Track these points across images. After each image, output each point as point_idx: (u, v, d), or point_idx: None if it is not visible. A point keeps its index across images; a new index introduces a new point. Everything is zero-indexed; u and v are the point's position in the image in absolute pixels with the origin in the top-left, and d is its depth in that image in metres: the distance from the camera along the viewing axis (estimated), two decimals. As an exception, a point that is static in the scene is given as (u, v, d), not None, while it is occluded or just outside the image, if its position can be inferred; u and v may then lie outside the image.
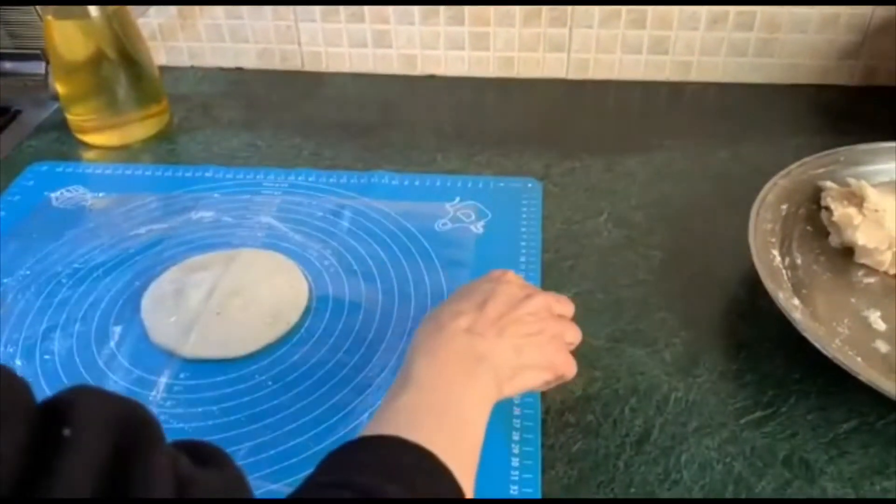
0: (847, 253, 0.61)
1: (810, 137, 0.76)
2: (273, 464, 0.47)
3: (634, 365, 0.54)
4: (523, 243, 0.64)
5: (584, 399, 0.51)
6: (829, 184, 0.62)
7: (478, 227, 0.66)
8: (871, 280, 0.59)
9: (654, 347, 0.55)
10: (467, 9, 0.82)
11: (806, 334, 0.49)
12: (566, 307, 0.53)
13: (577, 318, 0.57)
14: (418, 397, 0.41)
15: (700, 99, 0.84)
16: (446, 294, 0.59)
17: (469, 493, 0.38)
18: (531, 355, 0.47)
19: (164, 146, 0.78)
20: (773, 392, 0.51)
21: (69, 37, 0.73)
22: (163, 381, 0.52)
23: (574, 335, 0.52)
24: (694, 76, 0.85)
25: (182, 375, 0.53)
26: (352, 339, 0.55)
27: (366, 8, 0.84)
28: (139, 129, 0.78)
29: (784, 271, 0.55)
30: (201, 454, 0.31)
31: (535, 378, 0.48)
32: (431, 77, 0.88)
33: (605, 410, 0.51)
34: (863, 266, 0.60)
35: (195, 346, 0.54)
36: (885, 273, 0.59)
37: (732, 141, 0.76)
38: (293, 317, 0.56)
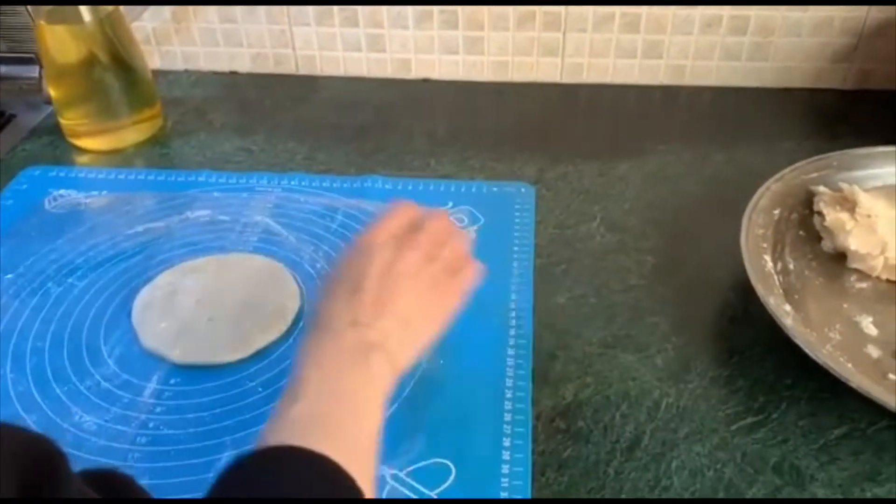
0: (840, 258, 0.61)
1: (803, 141, 0.76)
2: (262, 470, 0.47)
3: (626, 370, 0.54)
4: (516, 248, 0.64)
5: (575, 405, 0.51)
6: (821, 188, 0.62)
7: (470, 232, 0.65)
8: (864, 285, 0.59)
9: (645, 353, 0.55)
10: (461, 13, 0.82)
11: (797, 340, 0.49)
12: (440, 224, 0.49)
13: (569, 323, 0.57)
14: (312, 407, 0.39)
15: (694, 103, 0.84)
16: (438, 299, 0.58)
17: (369, 484, 0.37)
18: (420, 319, 0.45)
19: (157, 150, 0.78)
20: (764, 398, 0.51)
21: (62, 41, 0.73)
22: (152, 386, 0.52)
23: (458, 257, 0.48)
24: (688, 80, 0.85)
25: (172, 381, 0.53)
26: (343, 344, 0.55)
27: (360, 12, 0.84)
28: (132, 134, 0.78)
29: (776, 276, 0.55)
30: (112, 485, 0.31)
31: (430, 331, 0.46)
32: (426, 81, 0.88)
33: (596, 416, 0.50)
34: (855, 271, 0.59)
35: (185, 352, 0.54)
36: (878, 278, 0.59)
37: (726, 145, 0.76)
38: (285, 322, 0.56)
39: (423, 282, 0.45)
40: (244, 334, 0.55)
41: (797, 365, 0.52)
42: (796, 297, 0.57)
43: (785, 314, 0.51)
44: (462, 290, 0.47)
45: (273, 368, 0.54)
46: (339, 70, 0.89)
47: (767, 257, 0.56)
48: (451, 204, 0.69)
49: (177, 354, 0.54)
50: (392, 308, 0.44)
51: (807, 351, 0.48)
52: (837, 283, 0.59)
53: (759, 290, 0.53)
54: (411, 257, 0.46)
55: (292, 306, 0.58)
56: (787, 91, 0.84)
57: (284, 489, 0.34)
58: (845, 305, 0.57)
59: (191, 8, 0.85)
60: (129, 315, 0.57)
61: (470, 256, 0.49)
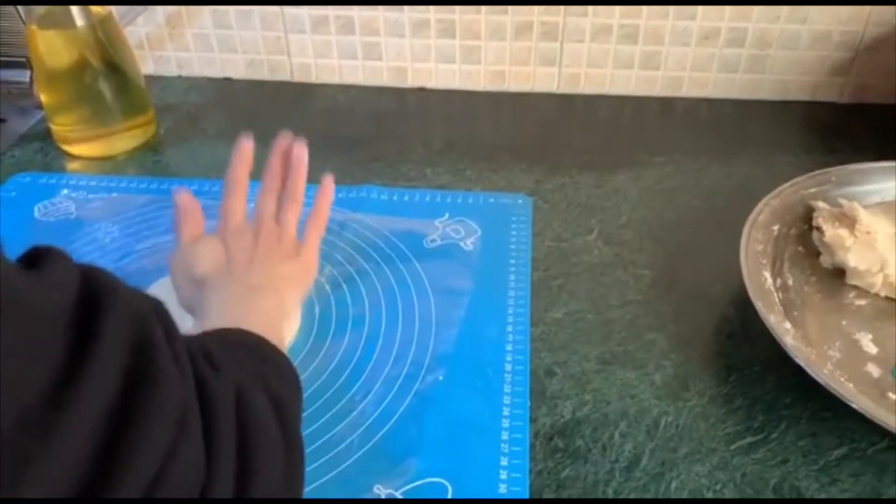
0: (838, 274, 0.60)
1: (801, 154, 0.76)
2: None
3: (625, 388, 0.53)
4: (513, 261, 0.63)
5: (573, 423, 0.51)
6: (820, 204, 0.62)
7: (467, 244, 0.65)
8: (863, 302, 0.58)
9: (644, 370, 0.54)
10: (459, 22, 0.82)
11: (798, 360, 0.48)
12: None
13: (567, 339, 0.56)
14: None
15: (691, 115, 0.83)
16: (434, 315, 0.58)
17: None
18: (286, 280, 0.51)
19: (150, 157, 0.77)
20: (763, 417, 0.51)
21: (54, 46, 0.72)
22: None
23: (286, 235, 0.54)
24: (685, 92, 0.85)
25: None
26: (336, 360, 0.54)
27: (356, 20, 0.83)
28: (125, 140, 0.77)
29: (775, 293, 0.55)
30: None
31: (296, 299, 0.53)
32: (422, 90, 0.87)
33: (595, 435, 0.50)
34: (854, 288, 0.59)
35: None
36: (877, 295, 0.59)
37: (723, 157, 0.76)
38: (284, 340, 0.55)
39: (278, 257, 0.53)
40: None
41: (796, 384, 0.52)
42: (795, 313, 0.56)
43: (785, 332, 0.50)
44: (313, 255, 0.56)
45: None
46: (335, 78, 0.88)
47: (767, 273, 0.56)
48: (447, 215, 0.68)
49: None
50: (264, 268, 0.51)
51: (808, 371, 0.48)
52: (836, 299, 0.59)
53: (759, 307, 0.52)
54: (263, 246, 0.52)
55: (292, 324, 0.57)
56: (784, 104, 0.84)
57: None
58: (844, 322, 0.57)
59: (185, 13, 0.85)
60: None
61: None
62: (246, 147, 0.56)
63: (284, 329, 0.50)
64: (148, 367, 0.28)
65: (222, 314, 0.46)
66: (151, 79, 0.87)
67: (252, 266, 0.50)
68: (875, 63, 0.80)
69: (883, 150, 0.69)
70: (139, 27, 0.86)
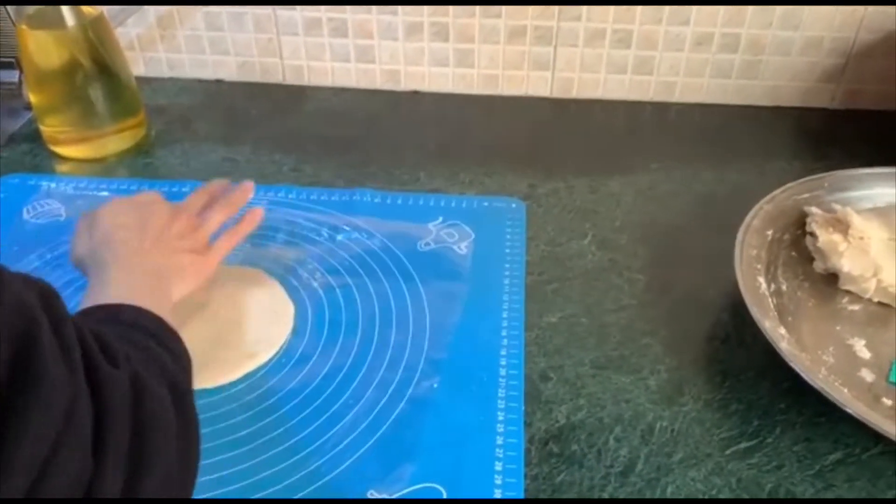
0: (831, 279, 0.60)
1: (793, 160, 0.76)
2: (244, 495, 0.46)
3: (619, 392, 0.53)
4: (507, 265, 0.63)
5: (568, 428, 0.50)
6: (814, 209, 0.62)
7: (461, 248, 0.65)
8: (856, 307, 0.59)
9: (638, 375, 0.54)
10: (452, 25, 0.82)
11: (793, 365, 0.48)
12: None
13: (562, 344, 0.56)
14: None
15: (684, 120, 0.83)
16: (428, 320, 0.57)
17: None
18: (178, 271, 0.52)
19: (140, 160, 0.76)
20: (758, 422, 0.51)
21: (44, 46, 0.71)
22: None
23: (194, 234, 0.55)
24: (678, 97, 0.85)
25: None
26: (329, 365, 0.54)
27: (349, 22, 0.83)
28: (115, 142, 0.76)
29: (770, 298, 0.55)
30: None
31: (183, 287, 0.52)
32: (415, 93, 0.87)
33: (590, 440, 0.50)
34: (847, 293, 0.59)
35: None
36: (870, 300, 0.59)
37: (716, 163, 0.76)
38: (274, 347, 0.55)
39: (186, 243, 0.54)
40: (231, 359, 0.53)
41: (791, 389, 0.52)
42: (789, 318, 0.56)
43: (780, 338, 0.50)
44: (215, 259, 0.55)
45: (256, 389, 0.52)
46: (328, 80, 0.87)
47: (761, 279, 0.56)
48: (441, 218, 0.68)
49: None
50: (167, 248, 0.53)
51: (803, 377, 0.48)
52: (830, 304, 0.59)
53: (755, 312, 0.52)
54: (177, 226, 0.54)
55: (284, 329, 0.56)
56: (775, 109, 0.84)
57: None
58: (838, 328, 0.57)
59: (177, 14, 0.84)
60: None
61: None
62: (216, 187, 0.61)
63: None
64: (29, 364, 0.28)
65: (127, 286, 0.47)
66: (142, 80, 0.86)
67: (159, 243, 0.52)
68: (867, 69, 0.80)
69: (874, 156, 0.69)
70: (130, 28, 0.85)
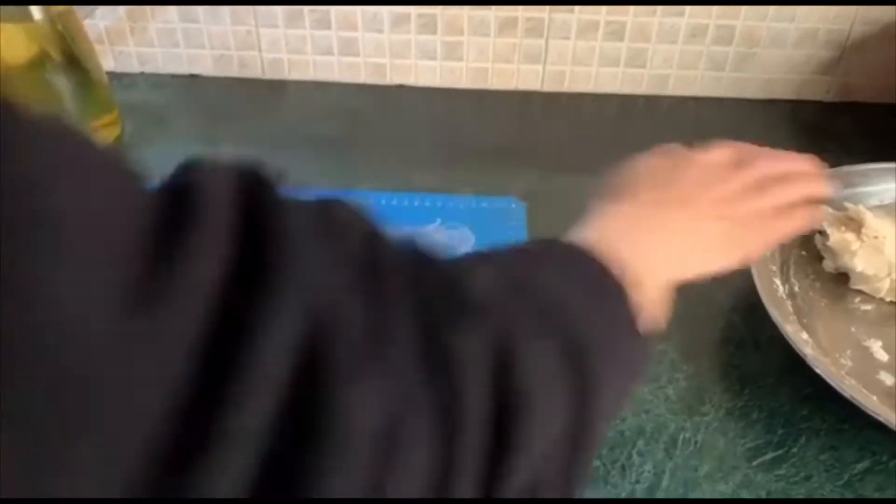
0: (841, 278, 0.59)
1: (792, 155, 0.75)
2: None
3: (639, 403, 0.51)
4: (511, 269, 0.60)
5: (588, 442, 0.48)
6: (824, 207, 0.61)
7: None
8: (868, 307, 0.57)
9: (657, 384, 0.52)
10: (440, 17, 0.79)
11: (821, 373, 0.47)
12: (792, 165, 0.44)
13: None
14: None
15: (677, 114, 0.82)
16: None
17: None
18: (701, 249, 0.39)
19: (114, 161, 0.72)
20: (782, 430, 0.49)
21: (10, 40, 0.66)
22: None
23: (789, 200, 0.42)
24: (671, 90, 0.83)
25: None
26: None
27: (332, 14, 0.79)
28: (87, 143, 0.72)
29: (787, 301, 0.53)
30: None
31: (701, 268, 0.40)
32: (401, 87, 0.84)
33: (612, 455, 0.48)
34: (859, 292, 0.58)
35: None
36: (881, 300, 0.58)
37: (715, 158, 0.74)
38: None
39: (735, 213, 0.39)
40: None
41: (812, 394, 0.51)
42: (805, 320, 0.55)
43: (804, 343, 0.49)
44: (772, 238, 0.42)
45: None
46: (309, 74, 0.84)
47: (777, 280, 0.54)
48: (439, 221, 0.65)
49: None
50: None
51: (833, 385, 0.46)
52: (842, 304, 0.58)
53: (775, 316, 0.51)
54: (734, 184, 0.40)
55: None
56: (769, 102, 0.83)
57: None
58: (853, 329, 0.56)
59: (148, 7, 0.79)
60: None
61: (808, 202, 0.43)
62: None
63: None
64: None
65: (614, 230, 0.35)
66: (111, 76, 0.81)
67: (699, 199, 0.38)
68: (861, 61, 0.80)
69: (872, 150, 0.68)
70: (97, 20, 0.80)
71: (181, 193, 0.21)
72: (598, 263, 0.31)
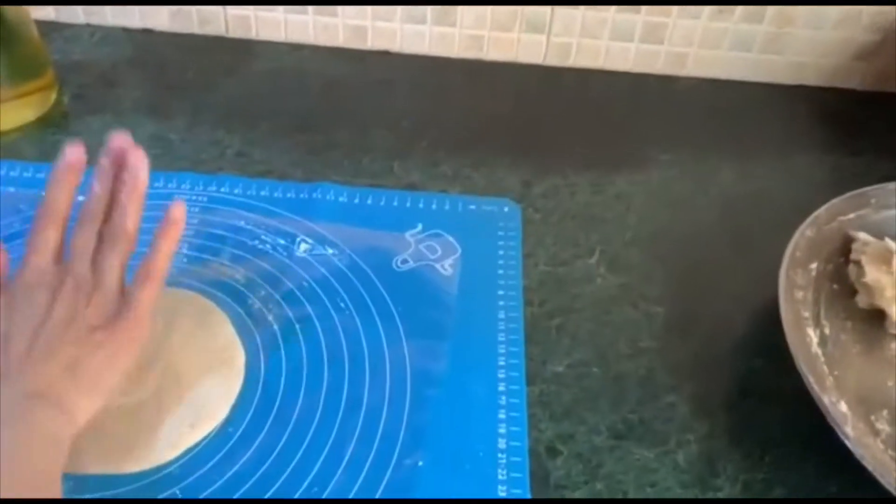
0: (875, 315, 0.52)
1: (821, 156, 0.67)
2: None
3: (643, 473, 0.44)
4: (501, 292, 0.52)
5: (583, 523, 0.41)
6: (861, 235, 0.53)
7: (445, 268, 0.54)
8: (906, 355, 0.50)
9: (664, 447, 0.45)
10: (432, -24, 0.68)
11: (867, 465, 0.40)
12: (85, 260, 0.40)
13: (571, 403, 0.47)
14: None
15: (693, 97, 0.73)
16: (409, 368, 0.47)
17: None
18: (88, 363, 0.36)
19: (48, 136, 0.62)
20: (807, 513, 0.43)
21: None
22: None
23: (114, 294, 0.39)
24: (688, 70, 0.74)
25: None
26: (287, 436, 0.43)
27: (307, -34, 0.68)
28: (13, 113, 0.61)
29: (821, 359, 0.46)
30: None
31: (106, 375, 0.37)
32: (385, 54, 0.74)
33: (611, 542, 0.41)
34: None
35: (79, 458, 0.39)
36: (921, 347, 0.51)
37: (735, 155, 0.66)
38: (221, 413, 0.43)
39: (83, 325, 0.37)
40: (166, 435, 0.42)
41: (841, 464, 0.44)
42: (836, 373, 0.48)
43: (843, 419, 0.42)
44: (138, 321, 0.39)
45: (197, 468, 0.42)
46: (280, 35, 0.73)
47: (811, 331, 0.47)
48: (420, 227, 0.56)
49: (75, 464, 0.40)
50: (49, 356, 0.36)
51: (879, 480, 0.39)
52: (877, 350, 0.51)
53: (811, 382, 0.43)
54: (62, 306, 0.37)
55: (235, 384, 0.45)
56: (796, 88, 0.74)
57: None
58: (890, 384, 0.49)
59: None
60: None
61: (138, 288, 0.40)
62: (73, 158, 0.41)
63: (67, 437, 0.35)
64: None
65: None
66: (51, 27, 0.71)
67: (31, 355, 0.35)
68: (905, 49, 0.70)
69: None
70: (34, -39, 0.69)
71: None
72: None
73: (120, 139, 0.42)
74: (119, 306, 0.39)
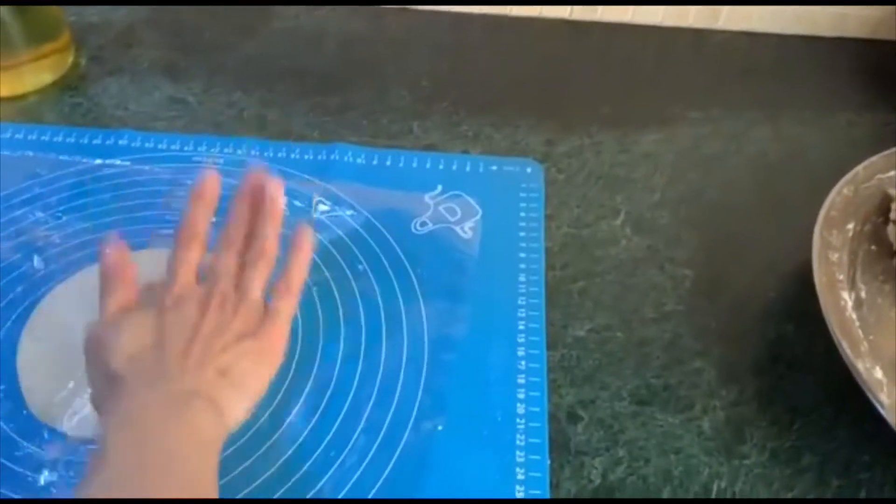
0: (916, 278, 0.50)
1: (862, 113, 0.63)
2: None
3: (666, 439, 0.43)
4: (522, 255, 0.51)
5: (605, 489, 0.40)
6: (904, 192, 0.51)
7: (465, 231, 0.52)
8: (947, 320, 0.48)
9: (689, 413, 0.44)
10: (452, -72, 0.66)
11: (892, 423, 0.38)
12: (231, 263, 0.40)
13: (593, 367, 0.45)
14: (119, 474, 0.31)
15: (727, 52, 0.70)
16: (427, 332, 0.46)
17: None
18: (239, 368, 0.37)
19: (66, 99, 0.61)
20: (838, 482, 0.41)
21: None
22: (42, 477, 0.39)
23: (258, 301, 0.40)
24: (722, 24, 0.71)
25: (63, 464, 0.40)
26: (304, 399, 0.43)
27: (324, -80, 0.66)
28: (31, 76, 0.61)
29: (856, 323, 0.44)
30: None
31: (257, 380, 0.38)
32: (404, 10, 0.72)
33: (632, 509, 0.40)
34: (936, 300, 0.49)
35: (84, 420, 0.40)
36: (964, 310, 0.48)
37: (769, 114, 0.63)
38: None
39: (232, 334, 0.38)
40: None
41: (876, 434, 0.42)
42: (871, 338, 0.45)
43: (878, 385, 0.40)
44: (281, 330, 0.40)
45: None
46: (298, -7, 0.72)
47: (845, 294, 0.45)
48: (439, 188, 0.55)
49: (72, 424, 0.40)
50: (204, 360, 0.36)
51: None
52: (915, 315, 0.48)
53: (845, 348, 0.41)
54: (212, 317, 0.38)
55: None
56: (837, 41, 0.70)
57: None
58: (928, 350, 0.46)
59: None
60: (14, 354, 0.44)
61: (285, 291, 0.40)
62: (210, 182, 0.41)
63: (220, 438, 0.35)
64: None
65: (125, 452, 0.32)
66: (68, -12, 0.70)
67: (188, 358, 0.36)
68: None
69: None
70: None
71: None
72: None
73: (257, 174, 0.42)
74: (262, 318, 0.39)
